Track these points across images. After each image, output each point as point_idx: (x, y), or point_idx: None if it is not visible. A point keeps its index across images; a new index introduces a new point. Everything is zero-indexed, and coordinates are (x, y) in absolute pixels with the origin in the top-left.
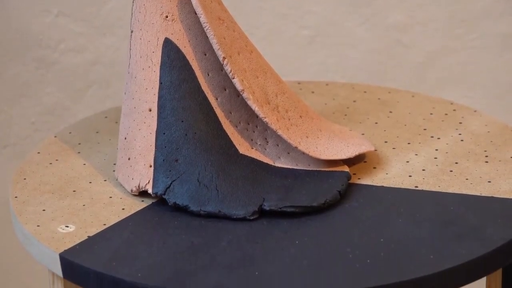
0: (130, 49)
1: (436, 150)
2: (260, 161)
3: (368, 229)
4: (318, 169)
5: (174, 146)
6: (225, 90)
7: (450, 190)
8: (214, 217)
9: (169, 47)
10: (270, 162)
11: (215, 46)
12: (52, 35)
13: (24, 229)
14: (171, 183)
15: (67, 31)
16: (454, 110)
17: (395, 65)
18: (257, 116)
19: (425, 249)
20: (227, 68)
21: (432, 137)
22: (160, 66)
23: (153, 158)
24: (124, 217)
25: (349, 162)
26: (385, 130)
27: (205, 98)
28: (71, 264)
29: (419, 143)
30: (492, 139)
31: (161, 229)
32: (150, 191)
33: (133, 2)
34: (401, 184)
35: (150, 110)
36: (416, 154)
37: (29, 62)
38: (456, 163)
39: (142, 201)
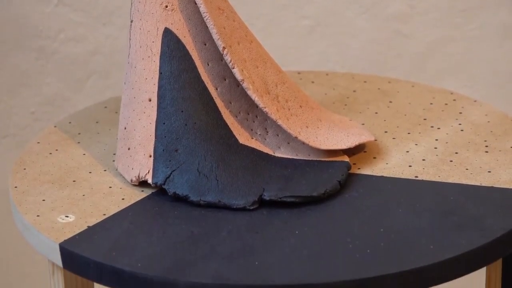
0: (130, 39)
1: (436, 140)
2: (260, 151)
3: (368, 219)
4: (318, 159)
5: (174, 136)
6: (225, 80)
7: (450, 180)
8: (214, 207)
9: (169, 37)
10: (270, 152)
11: (215, 36)
12: (52, 25)
13: (24, 219)
14: (171, 173)
15: (67, 20)
16: (454, 100)
17: (395, 55)
18: (257, 106)
19: (425, 239)
20: (227, 58)
21: (432, 127)
22: (160, 56)
23: (153, 148)
24: (124, 207)
25: (349, 152)
26: (385, 120)
27: (205, 88)
28: (71, 254)
29: (419, 133)
30: (492, 129)
31: (161, 219)
32: (150, 181)
33: None
34: (401, 174)
35: (150, 100)
36: (416, 144)
37: (29, 52)
38: (456, 153)
39: (142, 191)
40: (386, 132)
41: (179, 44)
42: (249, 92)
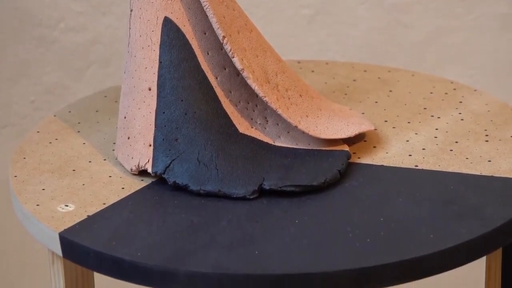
0: (130, 28)
1: (436, 129)
2: (260, 140)
3: (368, 208)
4: (318, 148)
5: (174, 125)
6: (225, 69)
7: (450, 169)
8: (213, 196)
9: (168, 26)
10: (270, 141)
11: (215, 25)
12: (52, 14)
13: (24, 208)
14: (170, 162)
15: (67, 10)
16: (454, 89)
17: (395, 44)
18: (257, 95)
19: (425, 228)
20: (227, 47)
21: (432, 116)
22: (160, 45)
23: (152, 137)
24: (123, 196)
25: (349, 141)
26: (385, 109)
27: (204, 77)
28: (71, 243)
29: (419, 122)
30: (492, 118)
31: (161, 208)
32: (149, 170)
33: None
34: (401, 163)
35: (149, 89)
36: (416, 133)
37: (29, 41)
38: (456, 142)
39: (142, 180)
40: (386, 121)
41: (179, 33)
42: (249, 81)
